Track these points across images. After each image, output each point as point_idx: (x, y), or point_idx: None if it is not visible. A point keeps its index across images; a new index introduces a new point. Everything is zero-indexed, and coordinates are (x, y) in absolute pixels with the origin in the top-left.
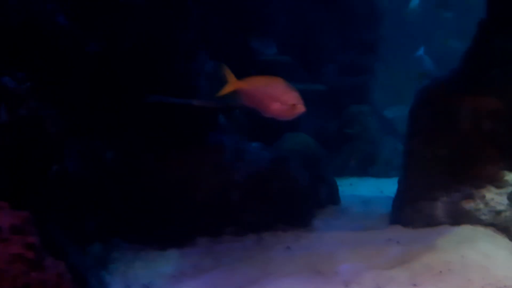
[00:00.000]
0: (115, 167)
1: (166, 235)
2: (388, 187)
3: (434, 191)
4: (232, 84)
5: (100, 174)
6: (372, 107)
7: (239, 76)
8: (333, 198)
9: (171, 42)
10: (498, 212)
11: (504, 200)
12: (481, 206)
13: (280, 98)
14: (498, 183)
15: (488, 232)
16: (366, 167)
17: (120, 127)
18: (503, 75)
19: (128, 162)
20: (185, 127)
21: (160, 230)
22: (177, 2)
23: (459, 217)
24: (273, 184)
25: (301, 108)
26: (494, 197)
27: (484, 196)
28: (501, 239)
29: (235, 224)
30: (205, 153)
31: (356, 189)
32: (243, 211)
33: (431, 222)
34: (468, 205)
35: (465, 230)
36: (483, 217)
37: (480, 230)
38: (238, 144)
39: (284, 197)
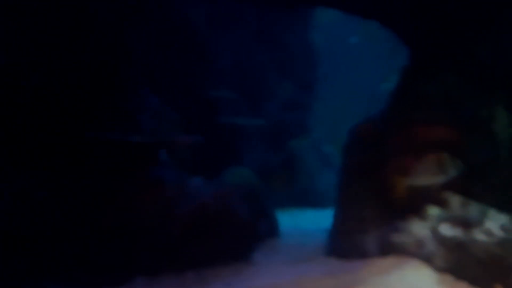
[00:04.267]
0: (47, 206)
1: (103, 275)
2: (325, 218)
3: (365, 224)
4: None
5: (32, 213)
6: (311, 142)
7: (186, 112)
8: (273, 231)
9: (112, 77)
10: (423, 245)
11: (428, 233)
12: (408, 239)
13: None
14: (422, 217)
15: (414, 263)
16: (305, 199)
17: (55, 164)
18: (424, 116)
19: (61, 201)
20: (124, 163)
21: (96, 270)
22: (119, 38)
23: (388, 250)
24: (214, 219)
25: None
26: (419, 230)
27: (410, 230)
28: (426, 270)
29: (175, 261)
30: (145, 188)
31: (296, 220)
32: (183, 247)
33: (363, 254)
34: (396, 238)
35: (394, 262)
36: (410, 249)
37: (407, 261)
38: (180, 179)
39: (225, 232)
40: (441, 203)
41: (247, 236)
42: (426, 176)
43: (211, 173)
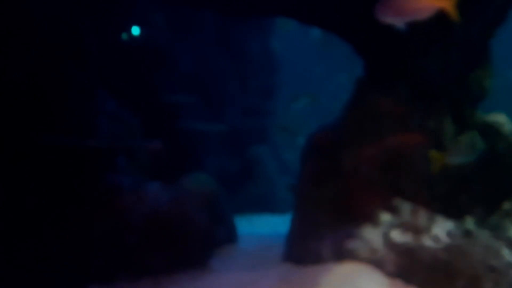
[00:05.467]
0: None
1: (53, 283)
2: (283, 224)
3: (321, 230)
4: None
5: None
6: (271, 148)
7: (145, 117)
8: (231, 237)
9: (66, 81)
10: (375, 250)
11: (380, 239)
12: (361, 244)
13: None
14: (375, 223)
15: (367, 269)
16: (264, 205)
17: (6, 171)
18: (376, 126)
19: (13, 207)
20: (79, 168)
21: (46, 276)
22: (73, 41)
23: (342, 255)
24: (170, 226)
25: None
26: (372, 236)
27: (363, 236)
28: (378, 275)
29: (130, 268)
30: (101, 194)
31: (254, 226)
32: (139, 254)
33: (318, 259)
34: (350, 244)
35: (347, 267)
36: (362, 255)
37: (360, 267)
38: (137, 185)
39: (182, 238)
40: (392, 209)
41: (204, 242)
42: (461, 154)
43: (170, 178)
